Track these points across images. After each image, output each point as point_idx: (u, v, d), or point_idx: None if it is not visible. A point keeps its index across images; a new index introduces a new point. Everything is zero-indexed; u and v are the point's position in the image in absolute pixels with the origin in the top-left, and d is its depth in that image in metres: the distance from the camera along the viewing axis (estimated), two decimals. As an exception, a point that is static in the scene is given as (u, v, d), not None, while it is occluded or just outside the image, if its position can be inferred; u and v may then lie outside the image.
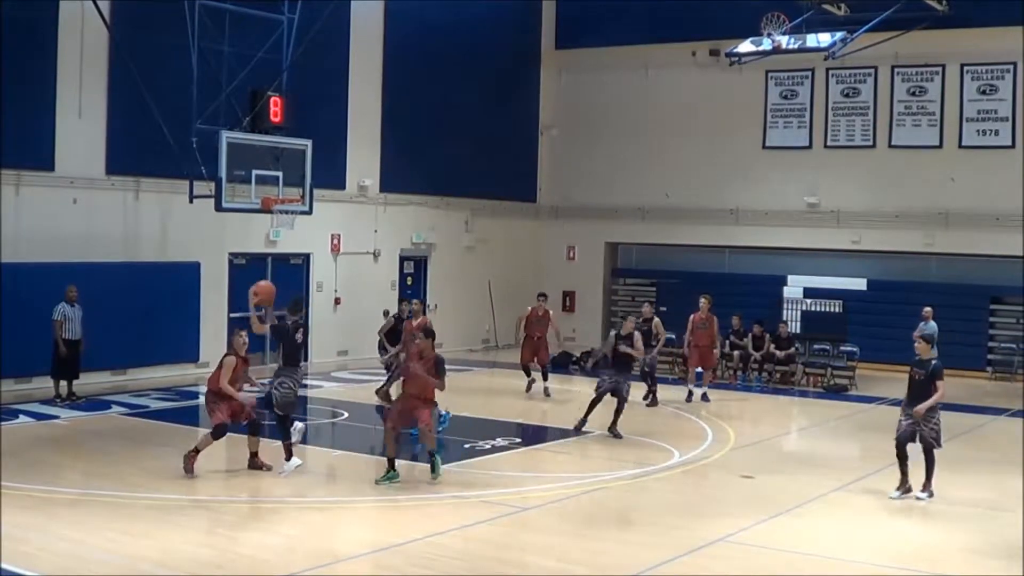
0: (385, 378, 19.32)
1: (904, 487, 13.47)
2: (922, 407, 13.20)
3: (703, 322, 21.41)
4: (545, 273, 31.13)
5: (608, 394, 17.13)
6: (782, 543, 11.59)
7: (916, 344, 13.74)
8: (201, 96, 20.26)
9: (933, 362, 13.44)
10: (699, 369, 21.71)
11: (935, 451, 13.38)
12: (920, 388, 13.38)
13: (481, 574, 10.29)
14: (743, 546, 11.49)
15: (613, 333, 17.88)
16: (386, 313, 27.15)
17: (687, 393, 21.06)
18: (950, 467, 14.47)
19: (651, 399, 20.39)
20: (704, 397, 21.02)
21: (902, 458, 13.48)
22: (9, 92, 19.16)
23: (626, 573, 10.37)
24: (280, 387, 14.08)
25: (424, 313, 20.12)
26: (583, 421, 17.24)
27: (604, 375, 17.50)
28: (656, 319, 20.84)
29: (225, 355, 14.10)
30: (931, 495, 13.36)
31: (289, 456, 13.87)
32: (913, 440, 13.41)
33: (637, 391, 19.53)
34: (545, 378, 21.18)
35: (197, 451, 13.67)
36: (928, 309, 22.01)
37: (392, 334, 19.83)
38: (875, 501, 13.55)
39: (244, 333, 14.35)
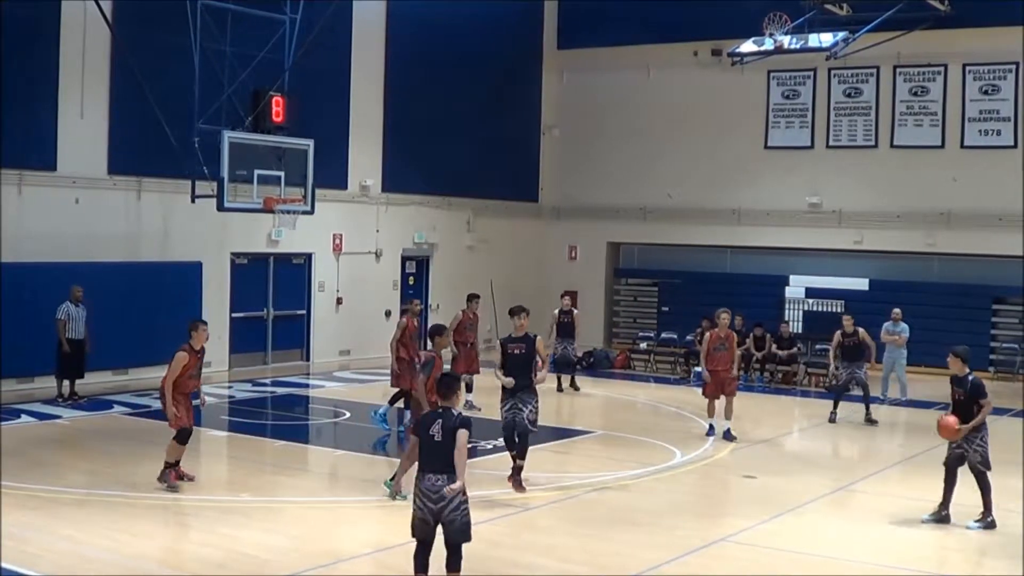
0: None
1: (940, 512, 12.40)
2: (964, 428, 12.12)
3: (722, 342, 17.40)
4: (547, 273, 31.12)
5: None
6: (784, 543, 11.60)
7: (949, 360, 12.45)
8: (203, 96, 20.25)
9: (971, 379, 12.26)
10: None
11: (988, 474, 12.27)
12: (963, 408, 12.21)
13: (482, 574, 10.29)
14: (745, 546, 11.50)
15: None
16: (388, 313, 27.25)
17: (708, 427, 17.53)
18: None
19: (571, 382, 22.16)
20: (728, 435, 17.18)
21: (948, 481, 12.38)
22: (11, 92, 19.17)
23: (628, 573, 10.38)
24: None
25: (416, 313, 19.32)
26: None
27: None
28: (576, 311, 22.57)
29: (178, 349, 13.22)
30: (988, 525, 12.16)
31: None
32: (962, 464, 12.32)
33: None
34: (469, 389, 19.12)
35: (168, 464, 12.98)
36: (897, 311, 21.95)
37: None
38: (877, 501, 13.55)
39: (205, 326, 13.59)
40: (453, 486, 8.99)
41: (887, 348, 21.81)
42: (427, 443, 9.20)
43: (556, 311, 22.47)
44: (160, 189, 21.78)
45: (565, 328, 22.08)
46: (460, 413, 9.40)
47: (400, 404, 17.02)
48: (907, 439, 18.20)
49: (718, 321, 17.54)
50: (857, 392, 19.37)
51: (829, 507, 13.30)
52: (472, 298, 20.29)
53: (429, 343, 13.82)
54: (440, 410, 9.33)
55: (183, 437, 13.04)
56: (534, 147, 31.66)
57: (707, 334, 17.95)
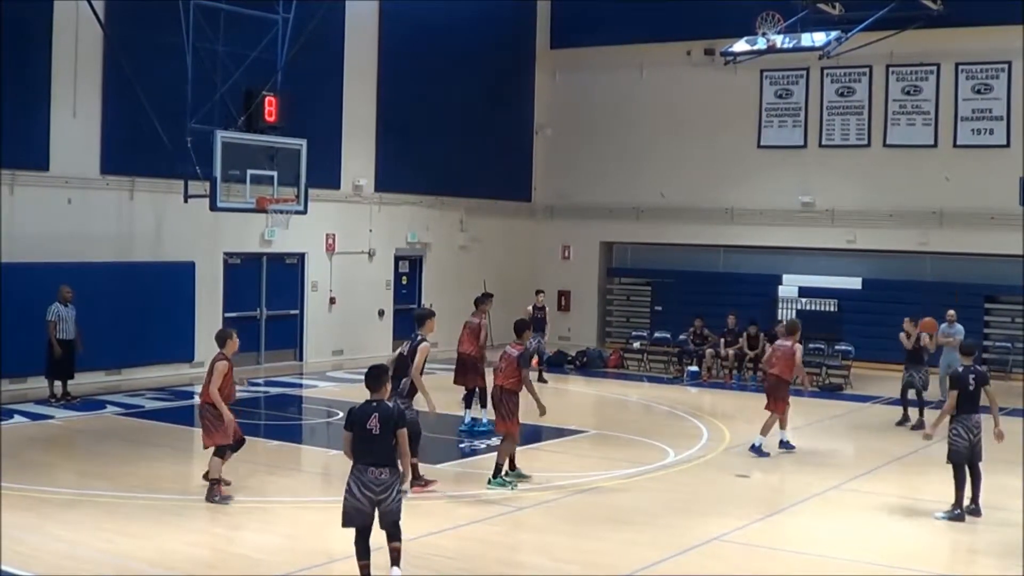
0: None
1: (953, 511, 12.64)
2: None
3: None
4: (540, 272, 31.11)
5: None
6: (777, 542, 11.62)
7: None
8: (196, 96, 20.24)
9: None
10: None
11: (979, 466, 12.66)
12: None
13: (475, 574, 10.29)
14: (738, 545, 11.51)
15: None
16: (381, 313, 27.14)
17: (779, 441, 16.41)
18: (948, 466, 14.47)
19: (539, 376, 22.32)
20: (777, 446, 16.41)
21: (959, 479, 12.75)
22: (3, 91, 19.13)
23: (620, 572, 10.38)
24: None
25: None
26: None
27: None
28: (547, 307, 23.88)
29: (216, 359, 12.67)
30: (954, 517, 12.48)
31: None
32: (972, 459, 12.74)
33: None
34: (484, 404, 17.10)
35: (217, 481, 12.57)
36: (952, 312, 21.24)
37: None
38: (870, 500, 13.56)
39: (236, 335, 12.99)
40: (404, 487, 9.56)
41: (944, 350, 20.32)
42: (364, 437, 9.32)
43: (530, 307, 23.01)
44: (152, 189, 21.74)
45: (538, 323, 22.74)
46: (395, 406, 9.61)
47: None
48: (901, 438, 18.18)
49: (785, 330, 16.80)
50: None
51: (823, 506, 13.30)
52: (487, 298, 18.69)
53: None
54: (374, 403, 9.43)
55: (222, 453, 12.56)
56: (527, 146, 31.65)
57: (772, 345, 17.08)
